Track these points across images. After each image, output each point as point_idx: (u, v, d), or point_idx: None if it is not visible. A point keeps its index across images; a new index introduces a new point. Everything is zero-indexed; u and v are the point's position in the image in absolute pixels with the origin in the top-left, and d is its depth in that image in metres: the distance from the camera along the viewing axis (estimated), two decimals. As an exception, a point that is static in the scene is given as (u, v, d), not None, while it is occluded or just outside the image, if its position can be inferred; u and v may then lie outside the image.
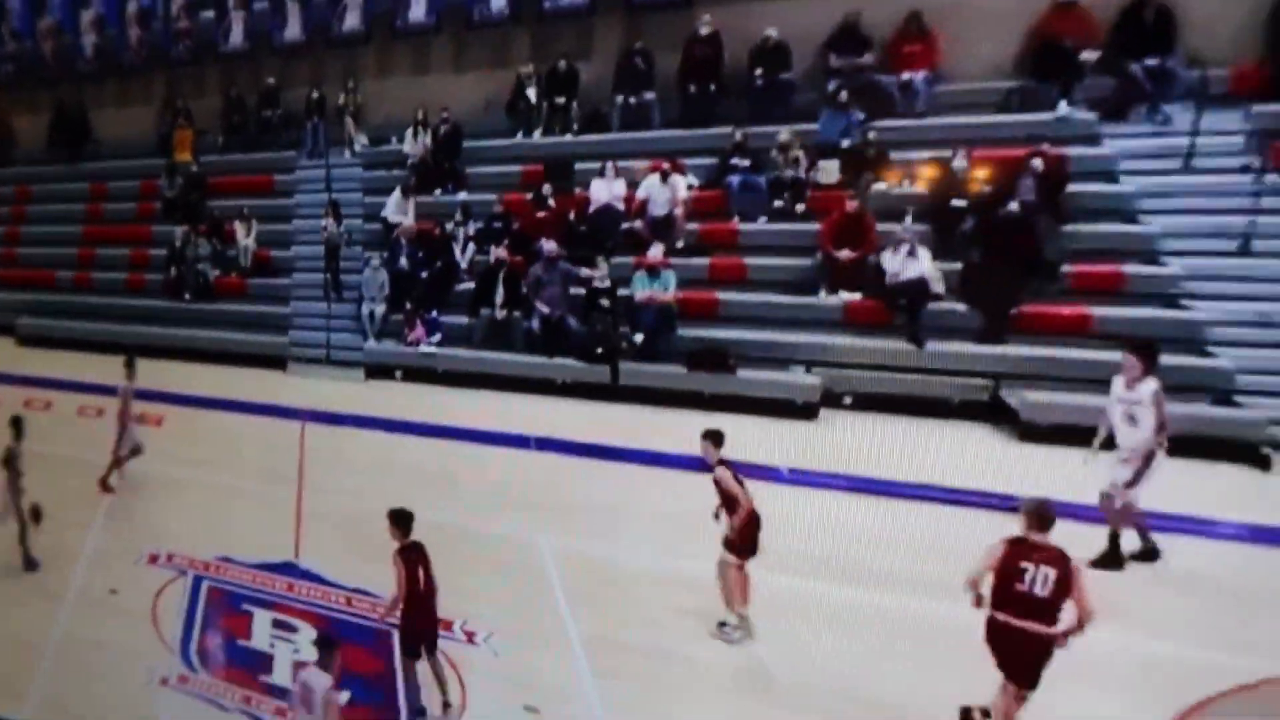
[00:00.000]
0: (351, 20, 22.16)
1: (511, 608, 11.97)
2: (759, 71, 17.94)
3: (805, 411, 14.57)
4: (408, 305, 18.13)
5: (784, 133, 17.28)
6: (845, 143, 16.94)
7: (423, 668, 10.70)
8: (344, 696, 9.30)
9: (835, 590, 11.59)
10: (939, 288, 14.94)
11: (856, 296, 15.31)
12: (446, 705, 10.68)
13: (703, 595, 11.47)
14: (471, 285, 17.95)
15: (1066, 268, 14.47)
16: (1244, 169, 14.15)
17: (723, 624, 11.38)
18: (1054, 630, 9.36)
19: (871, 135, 16.81)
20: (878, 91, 16.97)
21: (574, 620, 11.81)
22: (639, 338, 16.17)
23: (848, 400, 14.42)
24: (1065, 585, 9.32)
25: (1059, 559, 9.38)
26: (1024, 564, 9.56)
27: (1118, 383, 11.61)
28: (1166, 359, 13.21)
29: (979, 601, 9.55)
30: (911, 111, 16.79)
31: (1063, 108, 15.65)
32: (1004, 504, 11.98)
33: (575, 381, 16.17)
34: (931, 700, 10.20)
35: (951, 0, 16.67)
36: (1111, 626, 9.98)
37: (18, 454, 12.99)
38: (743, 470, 11.23)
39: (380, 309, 18.37)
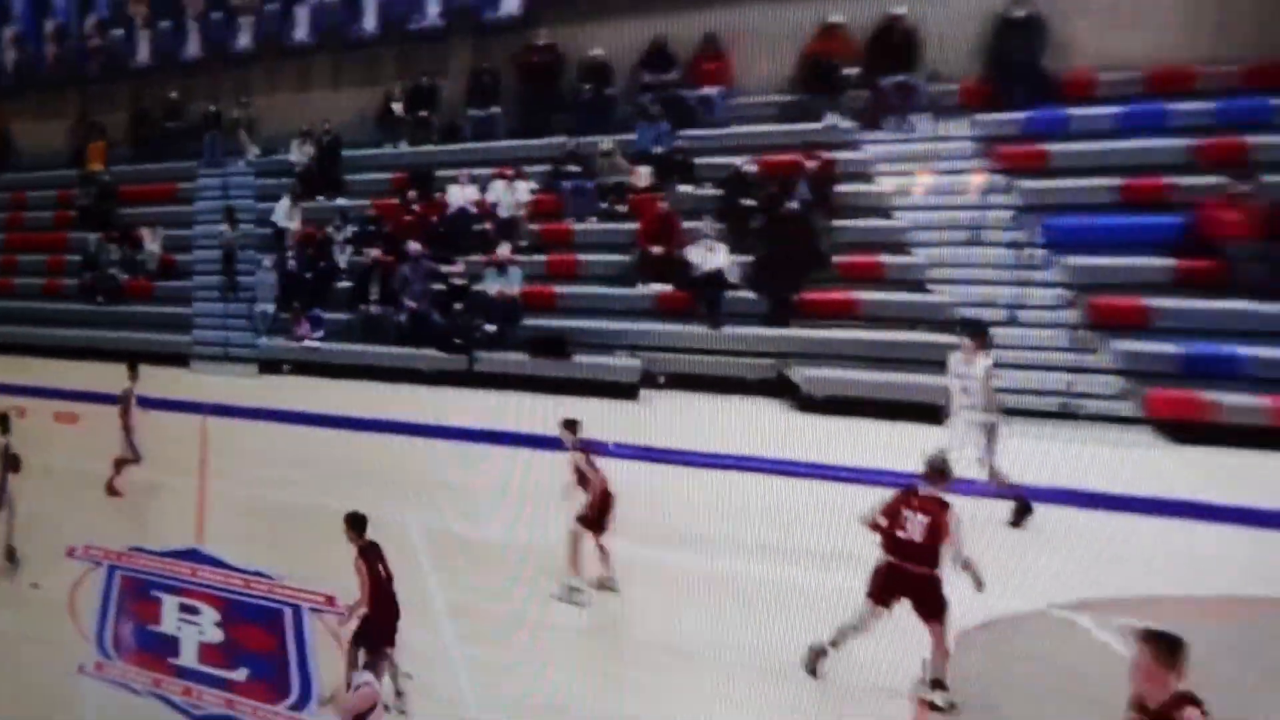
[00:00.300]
0: (244, 39, 22.61)
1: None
2: (587, 87, 18.69)
3: (628, 391, 15.35)
4: (295, 304, 18.79)
5: (606, 142, 18.05)
6: (657, 150, 17.73)
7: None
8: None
9: (664, 554, 12.13)
10: (734, 278, 15.83)
11: (667, 288, 16.15)
12: (399, 693, 10.67)
13: (553, 563, 11.87)
14: (349, 284, 18.64)
15: (836, 259, 15.37)
16: (976, 171, 15.10)
17: (574, 589, 11.78)
18: (934, 570, 9.66)
19: (678, 144, 17.62)
20: (682, 104, 17.80)
21: (439, 591, 12.09)
22: (490, 328, 16.93)
23: (662, 380, 15.30)
24: (938, 529, 9.64)
25: (936, 506, 9.72)
26: (905, 511, 9.85)
27: (955, 359, 12.20)
28: (914, 337, 14.32)
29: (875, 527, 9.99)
30: (710, 122, 17.62)
31: (829, 118, 16.53)
32: (792, 469, 12.82)
33: (438, 370, 16.85)
34: (758, 646, 10.69)
35: (740, 24, 17.44)
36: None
37: (7, 447, 13.01)
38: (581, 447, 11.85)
39: (271, 308, 19.02)
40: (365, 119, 20.85)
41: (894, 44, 16.47)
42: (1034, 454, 11.86)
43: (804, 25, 17.13)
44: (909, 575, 9.83)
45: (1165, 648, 7.45)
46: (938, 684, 9.86)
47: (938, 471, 9.84)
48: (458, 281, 17.48)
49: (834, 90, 16.80)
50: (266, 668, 11.33)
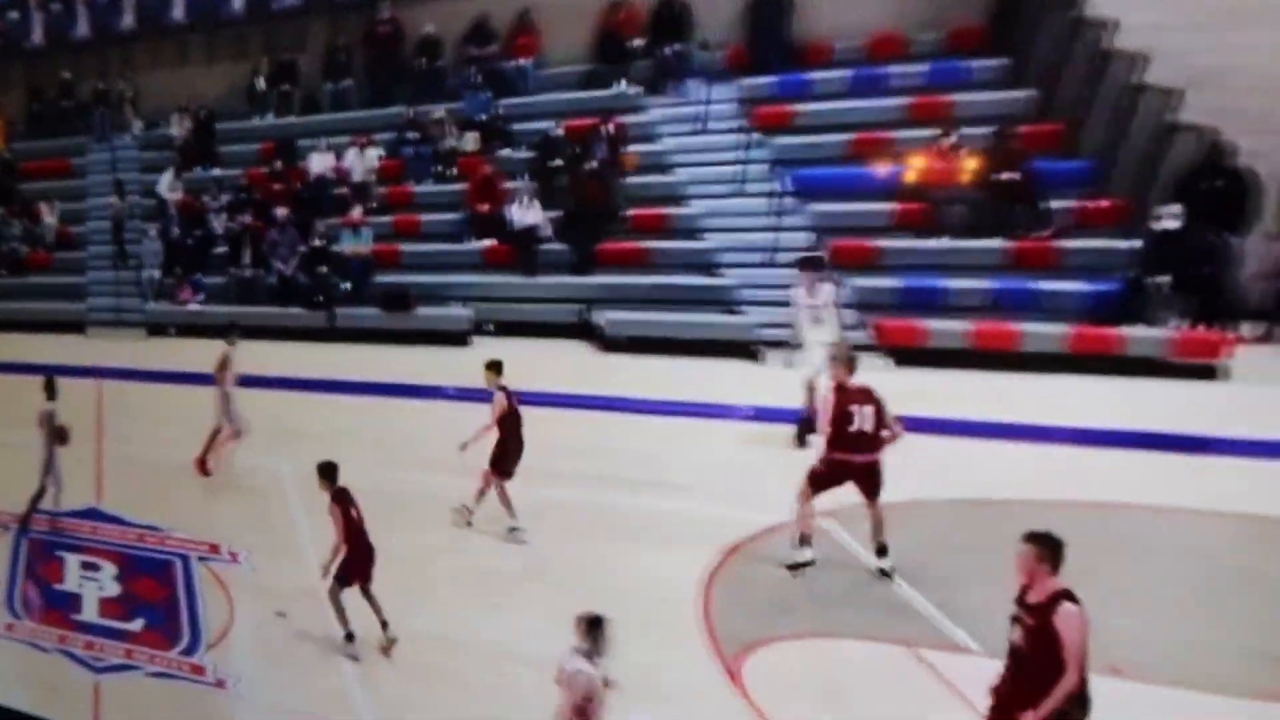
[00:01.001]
0: (127, 19, 23.14)
1: (263, 527, 12.47)
2: (422, 60, 19.58)
3: (460, 339, 16.49)
4: (177, 270, 19.67)
5: (439, 111, 19.02)
6: (481, 117, 18.73)
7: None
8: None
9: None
10: (546, 231, 16.98)
11: (492, 242, 17.27)
12: (385, 624, 10.59)
13: (411, 502, 12.27)
14: (225, 249, 19.53)
15: (629, 212, 16.56)
16: (738, 130, 16.29)
17: (513, 529, 11.92)
18: (879, 455, 10.14)
19: (499, 111, 18.63)
20: (500, 75, 18.78)
21: (310, 533, 12.11)
22: (346, 286, 17.96)
23: (490, 327, 16.44)
24: (880, 415, 10.11)
25: (870, 395, 10.16)
26: (852, 408, 10.16)
27: (798, 293, 12.68)
28: (688, 280, 15.64)
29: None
30: (524, 90, 18.61)
31: (620, 85, 17.60)
32: (601, 404, 14.10)
33: (304, 327, 17.86)
34: (590, 566, 11.26)
35: (548, 1, 18.39)
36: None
37: (54, 414, 12.78)
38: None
39: (157, 274, 19.88)
40: (237, 93, 21.60)
41: (671, 17, 17.53)
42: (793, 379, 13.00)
43: (600, 1, 18.09)
44: (857, 465, 10.27)
45: (1048, 548, 7.72)
46: (882, 549, 10.45)
47: (848, 362, 10.31)
48: (319, 243, 18.49)
49: (623, 60, 17.85)
50: (160, 617, 11.51)
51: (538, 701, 8.20)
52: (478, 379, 12.17)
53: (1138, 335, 12.88)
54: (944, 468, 11.77)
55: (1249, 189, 12.92)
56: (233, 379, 13.94)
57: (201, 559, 12.28)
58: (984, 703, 8.03)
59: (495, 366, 11.99)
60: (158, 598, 11.81)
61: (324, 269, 18.41)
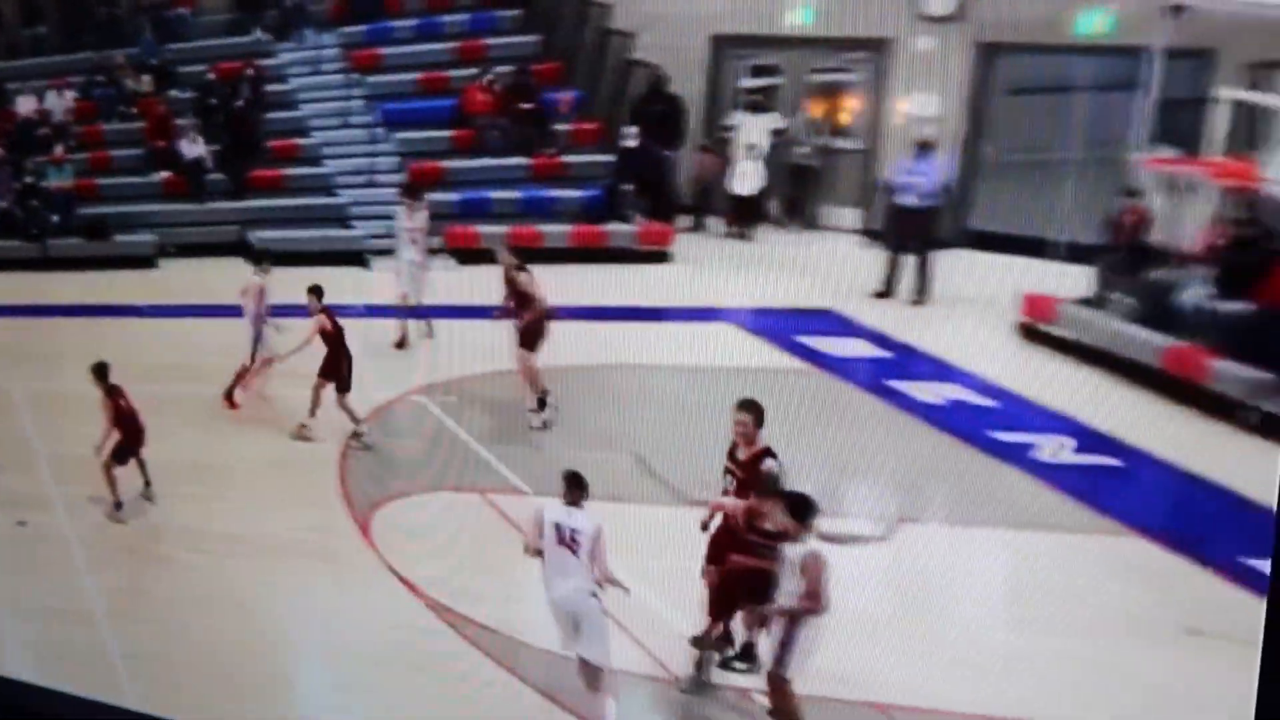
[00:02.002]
0: None
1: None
2: (104, 9, 21.50)
3: (149, 262, 18.89)
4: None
5: (119, 56, 21.10)
6: (153, 61, 20.90)
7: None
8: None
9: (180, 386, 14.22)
10: (210, 163, 19.46)
11: (168, 174, 19.68)
12: (148, 483, 12.19)
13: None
14: (-40, 190, 21.45)
15: (269, 143, 19.07)
16: (342, 71, 18.83)
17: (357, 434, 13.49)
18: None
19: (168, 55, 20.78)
20: (165, 22, 20.85)
21: (41, 444, 13.39)
22: (55, 218, 20.21)
23: (172, 250, 18.90)
24: (526, 299, 12.37)
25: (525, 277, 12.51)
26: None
27: (400, 216, 14.98)
28: (313, 200, 18.39)
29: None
30: (186, 37, 20.76)
31: (256, 33, 19.90)
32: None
33: (21, 257, 19.65)
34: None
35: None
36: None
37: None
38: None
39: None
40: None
41: (291, -28, 19.78)
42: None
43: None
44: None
45: (758, 413, 8.94)
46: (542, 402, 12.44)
47: (517, 265, 12.98)
48: (29, 180, 20.59)
49: (257, 9, 20.12)
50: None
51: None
52: (167, 297, 14.25)
53: (616, 230, 16.11)
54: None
55: (681, 112, 16.11)
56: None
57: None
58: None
59: (316, 290, 13.44)
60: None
61: (36, 203, 20.57)
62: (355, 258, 17.26)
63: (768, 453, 9.16)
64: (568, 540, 9.22)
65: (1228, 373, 11.84)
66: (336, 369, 13.36)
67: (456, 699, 9.92)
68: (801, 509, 8.73)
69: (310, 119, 18.83)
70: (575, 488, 9.32)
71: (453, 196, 17.11)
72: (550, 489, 9.99)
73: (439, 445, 12.99)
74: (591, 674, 9.36)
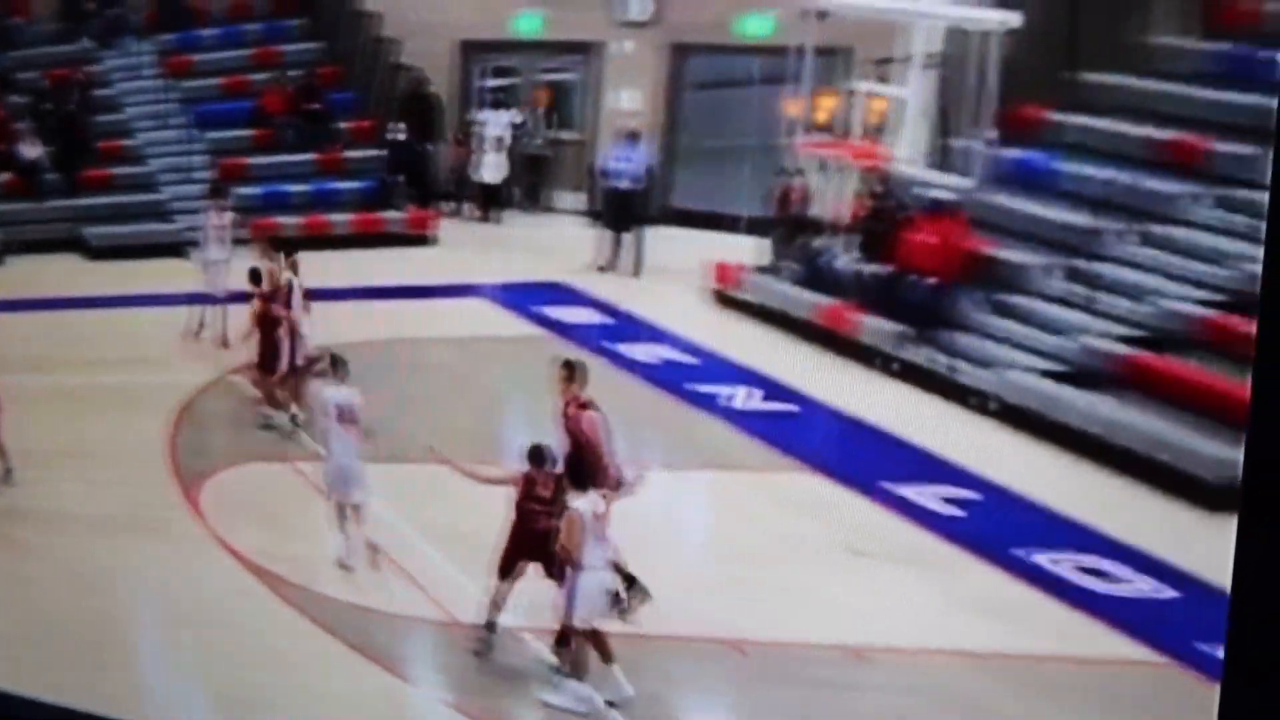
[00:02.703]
0: None
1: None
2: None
3: None
4: None
5: (-37, 66, 21.36)
6: (-8, 70, 21.18)
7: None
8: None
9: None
10: (47, 164, 19.89)
11: (8, 175, 20.05)
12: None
13: None
14: None
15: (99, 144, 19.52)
16: (159, 76, 19.28)
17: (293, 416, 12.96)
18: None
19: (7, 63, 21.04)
20: (4, 29, 21.02)
21: None
22: None
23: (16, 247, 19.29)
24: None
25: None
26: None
27: (209, 216, 15.11)
28: (138, 198, 18.93)
29: None
30: (22, 45, 21.02)
31: (83, 40, 20.24)
32: (81, 304, 15.76)
33: None
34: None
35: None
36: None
37: None
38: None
39: None
40: None
41: (107, -13, 20.10)
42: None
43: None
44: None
45: (572, 370, 9.21)
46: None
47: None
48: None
49: (83, 19, 20.48)
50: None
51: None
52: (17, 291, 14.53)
53: (390, 216, 16.95)
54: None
55: (439, 109, 16.93)
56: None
57: None
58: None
59: (256, 276, 13.46)
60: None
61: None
62: (176, 249, 17.73)
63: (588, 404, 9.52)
64: (347, 415, 10.56)
65: (873, 327, 12.93)
66: (263, 355, 13.26)
67: (276, 654, 9.92)
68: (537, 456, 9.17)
69: (133, 121, 19.29)
70: (340, 368, 10.80)
71: (256, 190, 17.72)
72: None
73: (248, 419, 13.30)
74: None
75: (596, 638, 8.77)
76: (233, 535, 11.24)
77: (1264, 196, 10.45)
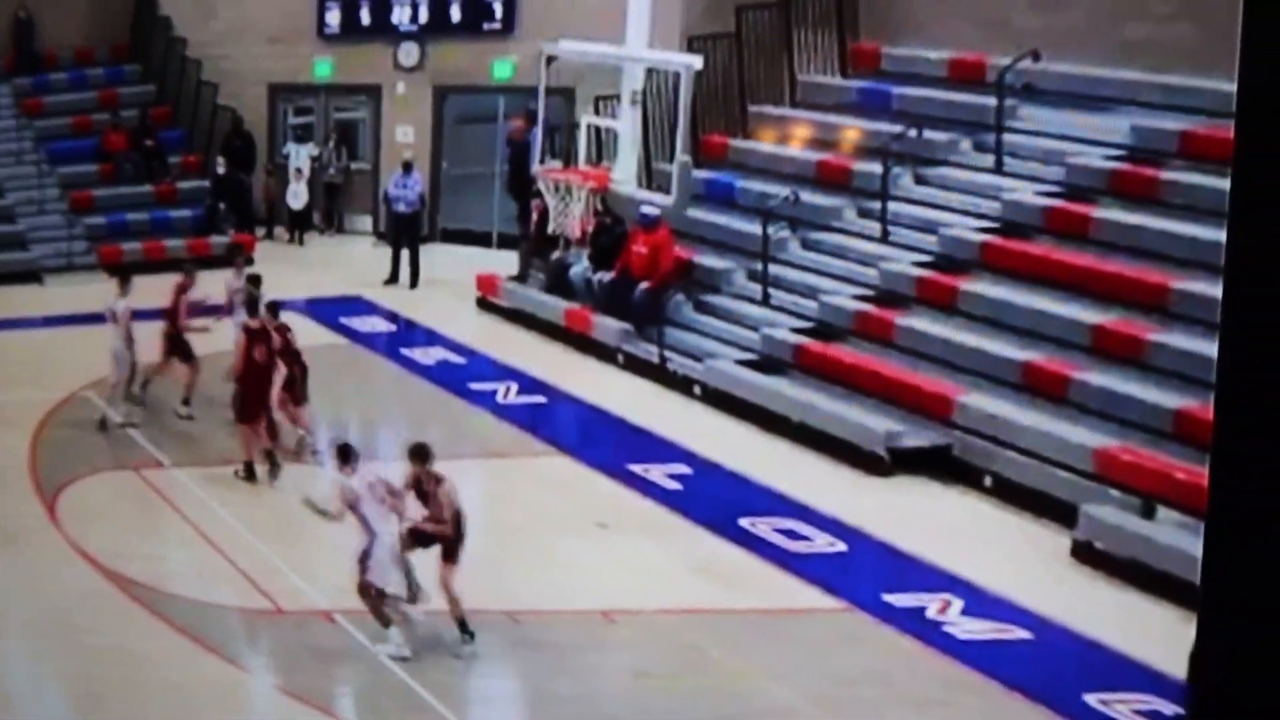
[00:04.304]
0: None
1: None
2: None
3: None
4: None
5: None
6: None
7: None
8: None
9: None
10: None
11: None
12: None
13: None
14: None
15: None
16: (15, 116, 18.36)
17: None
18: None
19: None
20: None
21: None
22: None
23: None
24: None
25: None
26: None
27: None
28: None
29: None
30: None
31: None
32: None
33: None
34: None
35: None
36: None
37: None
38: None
39: None
40: None
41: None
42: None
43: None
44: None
45: (421, 457, 7.97)
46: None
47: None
48: None
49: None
50: None
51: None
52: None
53: (216, 241, 16.50)
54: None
55: (253, 145, 16.43)
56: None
57: None
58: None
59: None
60: None
61: None
62: (33, 276, 17.11)
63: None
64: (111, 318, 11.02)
65: (603, 325, 12.96)
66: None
67: (126, 651, 9.17)
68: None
69: (-3, 158, 18.49)
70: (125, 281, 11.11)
71: (103, 219, 17.12)
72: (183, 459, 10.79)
73: (102, 432, 12.63)
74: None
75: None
76: (85, 539, 10.56)
77: (893, 205, 10.66)
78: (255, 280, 11.10)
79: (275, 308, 10.52)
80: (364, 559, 8.15)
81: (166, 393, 12.50)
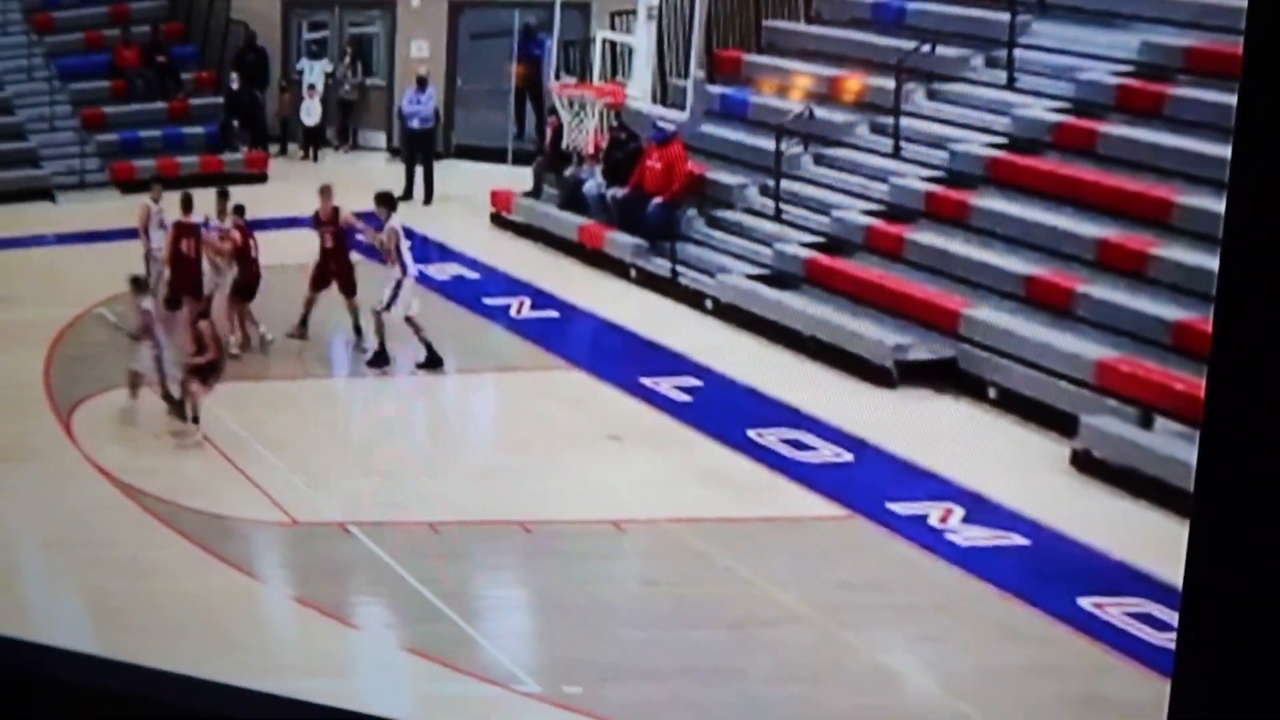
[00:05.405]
0: None
1: None
2: None
3: None
4: None
5: None
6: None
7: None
8: None
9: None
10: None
11: None
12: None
13: None
14: None
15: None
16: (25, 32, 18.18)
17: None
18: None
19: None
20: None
21: None
22: None
23: None
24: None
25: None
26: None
27: None
28: (8, 146, 17.96)
29: None
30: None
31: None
32: None
33: None
34: None
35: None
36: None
37: None
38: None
39: None
40: None
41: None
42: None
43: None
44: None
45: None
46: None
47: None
48: None
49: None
50: None
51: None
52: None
53: (229, 158, 16.35)
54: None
55: (266, 60, 16.28)
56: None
57: None
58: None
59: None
60: None
61: None
62: (45, 194, 17.05)
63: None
64: None
65: (617, 241, 13.00)
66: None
67: (142, 563, 9.43)
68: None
69: (2, 75, 18.24)
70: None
71: (117, 136, 17.00)
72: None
73: (117, 348, 12.98)
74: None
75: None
76: (102, 456, 10.81)
77: (905, 121, 10.67)
78: (224, 194, 11.82)
79: (241, 210, 11.46)
80: (396, 289, 10.95)
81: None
